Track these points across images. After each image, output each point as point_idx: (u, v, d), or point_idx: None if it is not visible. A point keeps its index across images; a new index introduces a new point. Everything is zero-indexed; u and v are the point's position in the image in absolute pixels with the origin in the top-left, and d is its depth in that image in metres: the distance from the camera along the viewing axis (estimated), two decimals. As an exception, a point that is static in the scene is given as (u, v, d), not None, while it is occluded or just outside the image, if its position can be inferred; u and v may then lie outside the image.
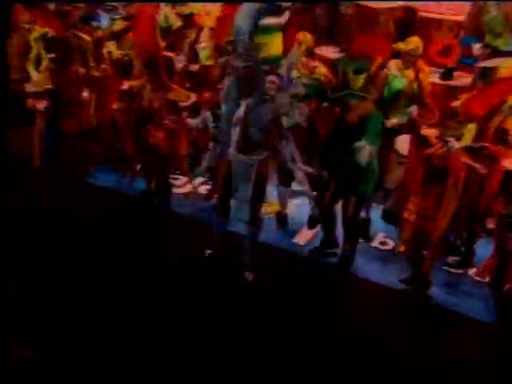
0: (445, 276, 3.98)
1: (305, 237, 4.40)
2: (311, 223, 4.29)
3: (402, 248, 3.90)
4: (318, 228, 4.32)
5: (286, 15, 5.23)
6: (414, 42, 4.17)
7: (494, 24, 4.61)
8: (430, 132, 3.33)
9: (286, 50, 4.06)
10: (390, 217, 4.02)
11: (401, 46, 4.20)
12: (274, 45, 3.78)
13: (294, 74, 3.82)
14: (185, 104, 4.26)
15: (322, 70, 4.20)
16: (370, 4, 5.70)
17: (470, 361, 3.25)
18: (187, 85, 4.55)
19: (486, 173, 3.54)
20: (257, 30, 3.27)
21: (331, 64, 4.36)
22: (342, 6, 5.69)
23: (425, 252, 3.68)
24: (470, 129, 3.34)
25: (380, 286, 3.88)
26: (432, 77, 4.82)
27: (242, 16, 3.22)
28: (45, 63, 4.58)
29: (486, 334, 3.50)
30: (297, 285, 3.82)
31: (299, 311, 3.55)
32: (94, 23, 5.15)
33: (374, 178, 3.81)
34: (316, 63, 4.30)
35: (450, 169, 3.32)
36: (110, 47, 4.79)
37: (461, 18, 5.14)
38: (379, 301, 3.78)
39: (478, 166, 3.33)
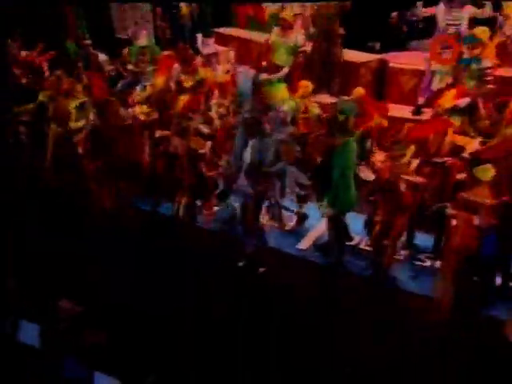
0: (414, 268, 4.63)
1: (306, 243, 5.09)
2: (299, 220, 5.17)
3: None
4: (316, 236, 5.06)
5: (286, 69, 6.20)
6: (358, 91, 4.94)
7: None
8: (379, 157, 4.12)
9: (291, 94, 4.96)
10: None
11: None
12: (279, 92, 4.66)
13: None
14: (202, 151, 4.97)
15: (315, 110, 5.10)
16: (352, 59, 6.59)
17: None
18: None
19: (444, 181, 4.28)
20: (258, 89, 4.21)
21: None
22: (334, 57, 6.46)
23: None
24: (411, 149, 4.16)
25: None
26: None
27: (244, 83, 4.14)
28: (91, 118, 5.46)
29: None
30: (298, 281, 4.51)
31: (299, 304, 4.21)
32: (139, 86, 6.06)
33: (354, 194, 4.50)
34: (313, 104, 5.21)
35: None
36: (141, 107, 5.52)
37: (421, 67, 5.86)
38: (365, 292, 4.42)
39: (417, 179, 4.09)
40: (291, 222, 5.31)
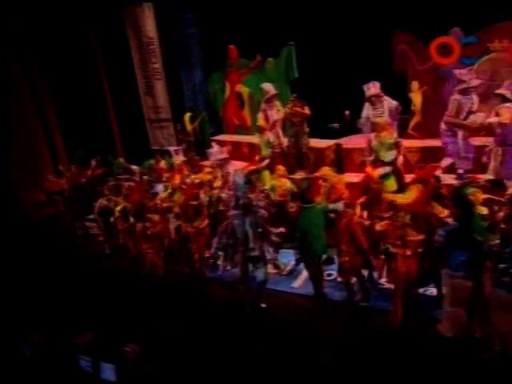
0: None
1: (299, 283, 5.73)
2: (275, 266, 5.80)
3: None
4: (306, 277, 5.57)
5: (267, 161, 7.28)
6: (323, 170, 5.64)
7: (377, 148, 6.18)
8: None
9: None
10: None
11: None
12: (265, 178, 5.64)
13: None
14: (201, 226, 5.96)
15: (288, 184, 6.06)
16: (320, 145, 7.65)
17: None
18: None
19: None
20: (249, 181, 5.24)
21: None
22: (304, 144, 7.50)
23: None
24: (358, 207, 5.02)
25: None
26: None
27: (238, 179, 5.15)
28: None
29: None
30: (290, 310, 5.20)
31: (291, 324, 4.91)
32: (153, 191, 7.07)
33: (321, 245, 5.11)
34: (287, 180, 6.21)
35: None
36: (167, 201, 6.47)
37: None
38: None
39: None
40: (287, 267, 5.93)
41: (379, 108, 6.48)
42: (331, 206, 5.06)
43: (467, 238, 3.96)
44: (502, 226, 4.03)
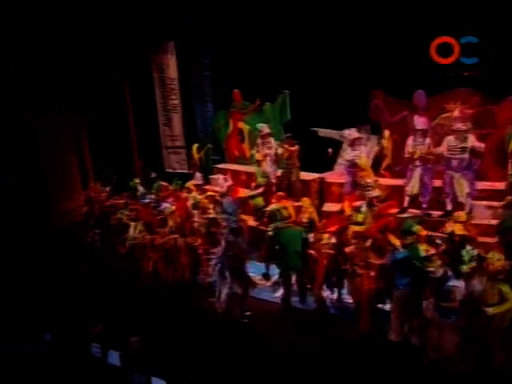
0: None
1: (279, 293, 6.13)
2: (265, 278, 6.38)
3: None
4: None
5: (261, 189, 7.88)
6: (304, 200, 6.37)
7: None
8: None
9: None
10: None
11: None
12: (259, 202, 6.20)
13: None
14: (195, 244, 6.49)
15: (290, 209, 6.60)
16: (307, 178, 8.15)
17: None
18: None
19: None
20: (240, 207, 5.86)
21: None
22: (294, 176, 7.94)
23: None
24: (326, 236, 5.63)
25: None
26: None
27: (229, 208, 5.76)
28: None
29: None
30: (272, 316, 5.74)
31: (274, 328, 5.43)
32: (159, 208, 7.66)
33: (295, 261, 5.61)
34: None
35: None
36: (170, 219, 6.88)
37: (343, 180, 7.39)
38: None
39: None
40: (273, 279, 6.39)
41: (358, 150, 7.04)
42: (306, 235, 5.66)
43: (409, 264, 4.51)
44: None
